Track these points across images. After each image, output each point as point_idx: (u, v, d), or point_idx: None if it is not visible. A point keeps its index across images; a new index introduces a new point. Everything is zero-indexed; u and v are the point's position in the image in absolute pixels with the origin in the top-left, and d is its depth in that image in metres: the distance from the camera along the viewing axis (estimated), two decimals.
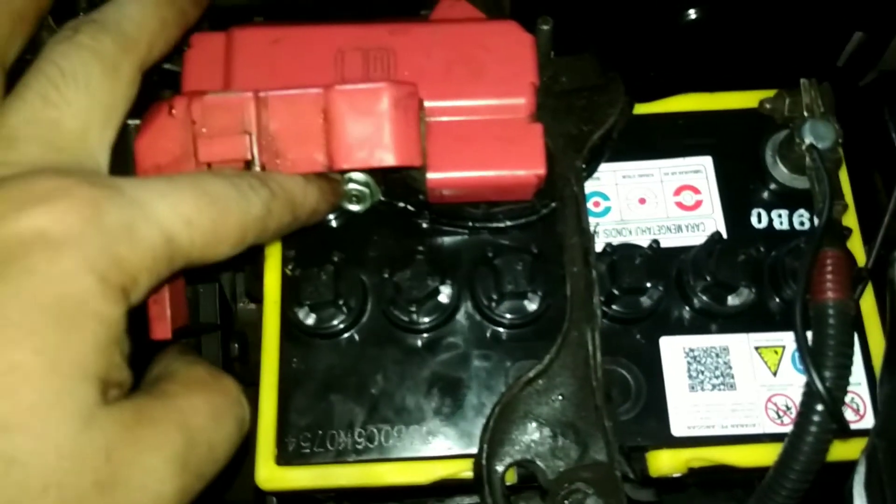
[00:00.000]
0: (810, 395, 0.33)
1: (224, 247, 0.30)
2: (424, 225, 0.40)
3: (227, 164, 0.33)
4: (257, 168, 0.34)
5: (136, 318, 0.28)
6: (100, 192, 0.26)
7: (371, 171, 0.38)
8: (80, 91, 0.29)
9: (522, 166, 0.37)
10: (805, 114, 0.39)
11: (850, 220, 0.40)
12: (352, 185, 0.38)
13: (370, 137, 0.34)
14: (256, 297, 0.52)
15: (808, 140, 0.38)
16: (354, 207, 0.39)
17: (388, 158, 0.34)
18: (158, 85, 0.42)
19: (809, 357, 0.33)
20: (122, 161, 0.34)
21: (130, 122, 0.34)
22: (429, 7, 0.43)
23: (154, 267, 0.27)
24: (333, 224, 0.40)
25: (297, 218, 0.34)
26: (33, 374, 0.23)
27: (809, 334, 0.34)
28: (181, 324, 0.37)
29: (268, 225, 0.31)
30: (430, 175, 0.37)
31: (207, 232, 0.28)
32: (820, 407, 0.32)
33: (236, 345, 0.52)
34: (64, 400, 0.24)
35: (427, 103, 0.37)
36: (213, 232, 0.29)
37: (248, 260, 0.50)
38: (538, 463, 0.35)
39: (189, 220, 0.28)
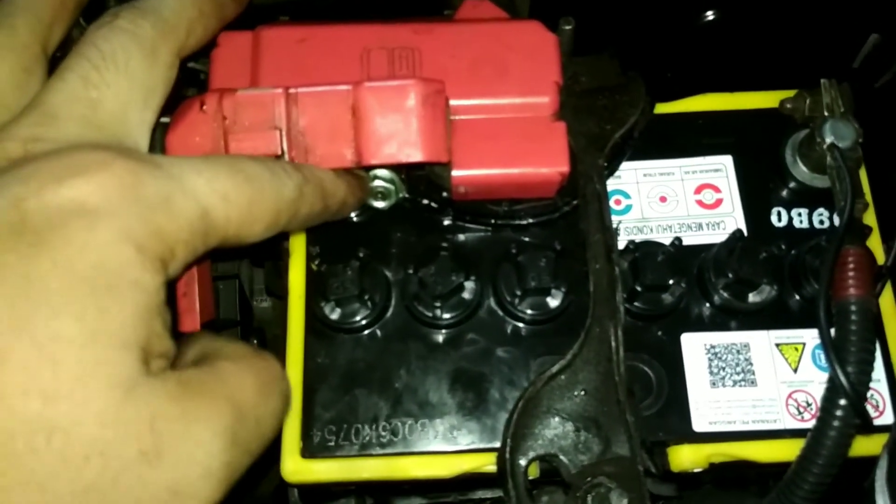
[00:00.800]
0: (833, 390, 0.33)
1: (258, 226, 0.30)
2: (447, 222, 0.41)
3: None
4: None
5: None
6: (138, 164, 0.26)
7: (396, 168, 0.38)
8: (119, 73, 0.30)
9: (546, 164, 0.37)
10: (825, 113, 0.40)
11: (870, 218, 0.40)
12: (377, 182, 0.38)
13: (398, 133, 0.34)
14: (278, 293, 0.52)
15: (828, 139, 0.38)
16: (379, 204, 0.40)
17: (415, 154, 0.34)
18: (183, 83, 0.43)
19: (833, 352, 0.33)
20: None
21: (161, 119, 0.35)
22: (453, 7, 0.44)
23: (191, 240, 0.27)
24: (358, 220, 0.40)
25: (327, 207, 0.34)
26: (73, 343, 0.23)
27: (832, 330, 0.35)
28: (208, 318, 0.37)
29: (300, 208, 0.32)
30: (455, 172, 0.37)
31: (243, 209, 0.29)
32: (843, 401, 0.33)
33: (255, 341, 0.52)
34: (104, 368, 0.24)
35: (452, 102, 0.37)
36: (249, 210, 0.29)
37: (269, 256, 0.50)
38: (561, 457, 0.35)
39: (225, 196, 0.28)
